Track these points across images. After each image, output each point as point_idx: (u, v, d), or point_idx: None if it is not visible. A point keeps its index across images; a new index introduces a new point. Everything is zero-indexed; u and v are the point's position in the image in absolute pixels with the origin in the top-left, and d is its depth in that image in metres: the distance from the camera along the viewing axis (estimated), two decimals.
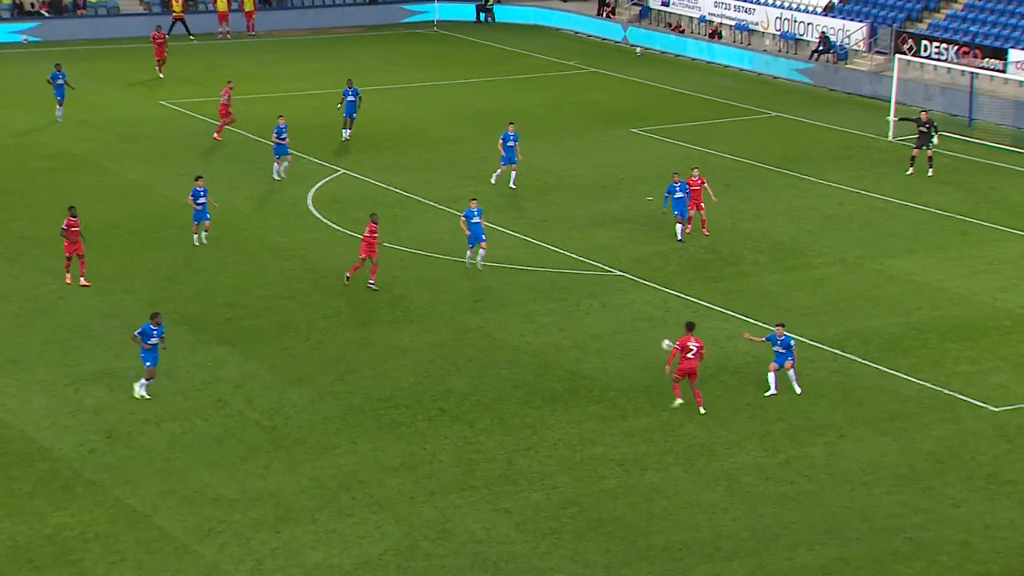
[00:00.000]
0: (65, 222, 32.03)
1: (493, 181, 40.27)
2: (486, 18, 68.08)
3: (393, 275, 33.53)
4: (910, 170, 42.80)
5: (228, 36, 62.18)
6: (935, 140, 42.65)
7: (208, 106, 49.44)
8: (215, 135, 45.24)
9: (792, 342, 27.67)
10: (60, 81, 45.93)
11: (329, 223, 37.32)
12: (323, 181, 41.20)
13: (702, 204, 36.31)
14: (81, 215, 34.58)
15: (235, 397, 26.86)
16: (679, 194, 35.58)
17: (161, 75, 53.58)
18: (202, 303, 31.54)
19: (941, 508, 23.24)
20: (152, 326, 26.51)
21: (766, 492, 23.66)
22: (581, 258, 34.94)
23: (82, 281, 31.99)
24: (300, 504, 23.01)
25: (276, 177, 40.56)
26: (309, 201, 39.31)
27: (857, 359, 29.17)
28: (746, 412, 26.65)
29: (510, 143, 39.67)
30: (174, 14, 62.12)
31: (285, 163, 40.58)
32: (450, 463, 24.46)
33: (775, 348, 27.54)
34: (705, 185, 36.35)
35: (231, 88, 45.60)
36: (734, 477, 24.14)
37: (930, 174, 42.42)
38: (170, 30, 62.14)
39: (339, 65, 57.78)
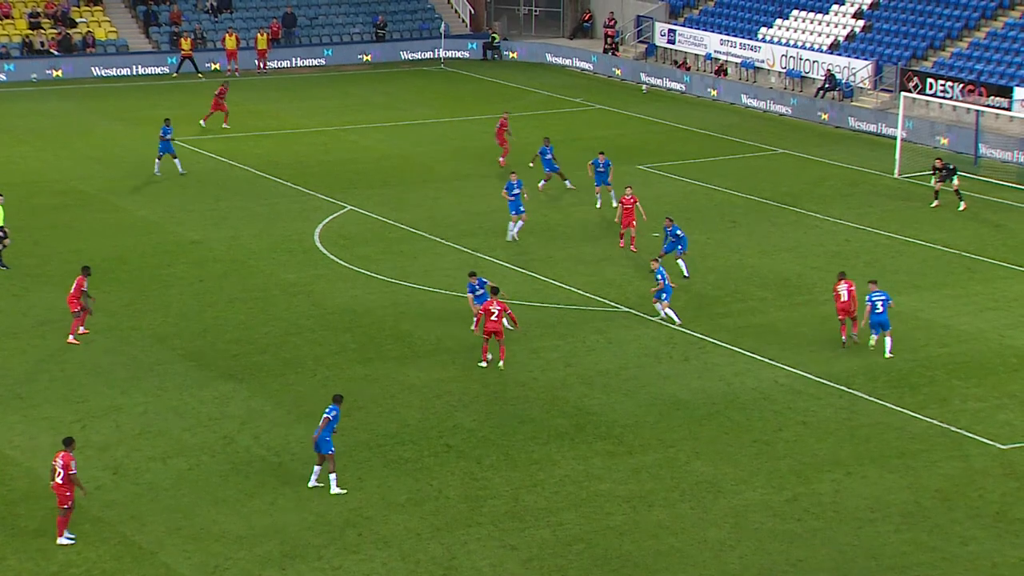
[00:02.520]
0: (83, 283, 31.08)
1: (598, 205, 42.13)
2: (492, 55, 68.43)
3: (400, 311, 33.58)
4: (935, 203, 43.18)
5: (236, 73, 62.50)
6: (955, 180, 43.07)
7: (214, 143, 49.65)
8: (500, 159, 46.53)
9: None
10: (168, 136, 44.84)
11: (336, 259, 37.41)
12: (330, 217, 41.34)
13: (634, 222, 37.87)
14: (89, 251, 34.92)
15: (242, 433, 26.86)
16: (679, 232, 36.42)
17: (202, 123, 52.00)
18: (209, 339, 31.60)
19: (949, 546, 23.16)
20: (338, 407, 24.88)
21: (773, 529, 23.60)
22: (587, 294, 34.99)
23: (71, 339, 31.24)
24: (306, 541, 22.97)
25: (508, 238, 38.69)
26: (316, 237, 39.42)
27: (864, 396, 29.15)
28: (752, 449, 26.62)
29: (600, 168, 41.75)
30: (183, 52, 62.50)
31: (520, 222, 38.56)
32: (456, 499, 24.43)
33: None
34: (637, 204, 37.95)
35: (507, 117, 47.20)
36: (741, 514, 24.09)
37: (961, 208, 42.71)
38: (178, 68, 62.54)
39: (345, 103, 58.10)
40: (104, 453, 25.90)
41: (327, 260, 37.45)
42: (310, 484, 24.63)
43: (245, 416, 27.63)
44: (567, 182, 44.11)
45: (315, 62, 65.84)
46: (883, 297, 31.19)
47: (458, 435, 26.95)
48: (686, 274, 36.12)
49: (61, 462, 22.59)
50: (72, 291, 31.20)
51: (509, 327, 30.38)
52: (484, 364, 30.15)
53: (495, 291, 30.65)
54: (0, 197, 36.90)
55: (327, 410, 24.72)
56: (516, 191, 38.67)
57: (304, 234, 39.65)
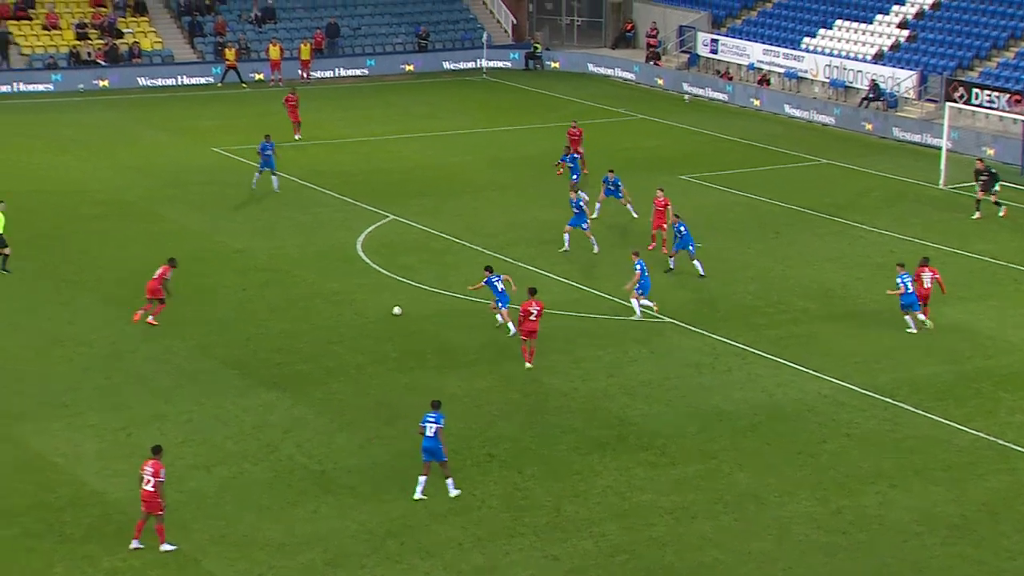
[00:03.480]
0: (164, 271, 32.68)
1: (595, 215, 41.65)
2: (534, 65, 68.46)
3: (441, 320, 33.61)
4: (976, 215, 42.91)
5: (280, 84, 62.84)
6: (997, 188, 42.83)
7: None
8: (565, 171, 46.03)
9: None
10: (268, 152, 44.12)
11: (378, 268, 37.50)
12: (373, 226, 41.45)
13: (664, 224, 38.22)
14: (132, 260, 35.16)
15: (285, 442, 26.95)
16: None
17: (297, 137, 51.61)
18: (252, 348, 31.73)
19: (996, 560, 22.90)
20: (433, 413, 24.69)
21: (817, 542, 23.42)
22: (629, 304, 34.87)
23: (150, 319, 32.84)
24: (349, 550, 23.00)
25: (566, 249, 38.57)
26: (358, 246, 39.53)
27: (909, 408, 28.90)
28: (796, 460, 26.44)
29: (610, 186, 41.79)
30: (227, 62, 62.91)
31: (590, 237, 38.54)
32: (498, 509, 24.40)
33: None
34: (669, 206, 38.29)
35: (576, 126, 47.86)
36: (785, 526, 23.92)
37: (1002, 215, 42.60)
38: (223, 78, 62.97)
39: (387, 112, 58.30)
40: None
41: (369, 269, 37.53)
42: (416, 496, 24.44)
43: (288, 424, 27.72)
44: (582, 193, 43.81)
45: (358, 72, 66.12)
46: (911, 279, 32.94)
47: (500, 445, 26.91)
48: (702, 273, 36.60)
49: (151, 469, 22.71)
50: (155, 278, 32.47)
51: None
52: (529, 366, 30.23)
53: (532, 291, 30.64)
54: (1, 203, 37.07)
55: (428, 417, 24.47)
56: (576, 208, 38.61)
57: (346, 243, 39.77)
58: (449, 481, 24.64)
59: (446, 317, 33.85)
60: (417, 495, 24.51)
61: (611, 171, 41.90)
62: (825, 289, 36.37)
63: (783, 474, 25.83)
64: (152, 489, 22.62)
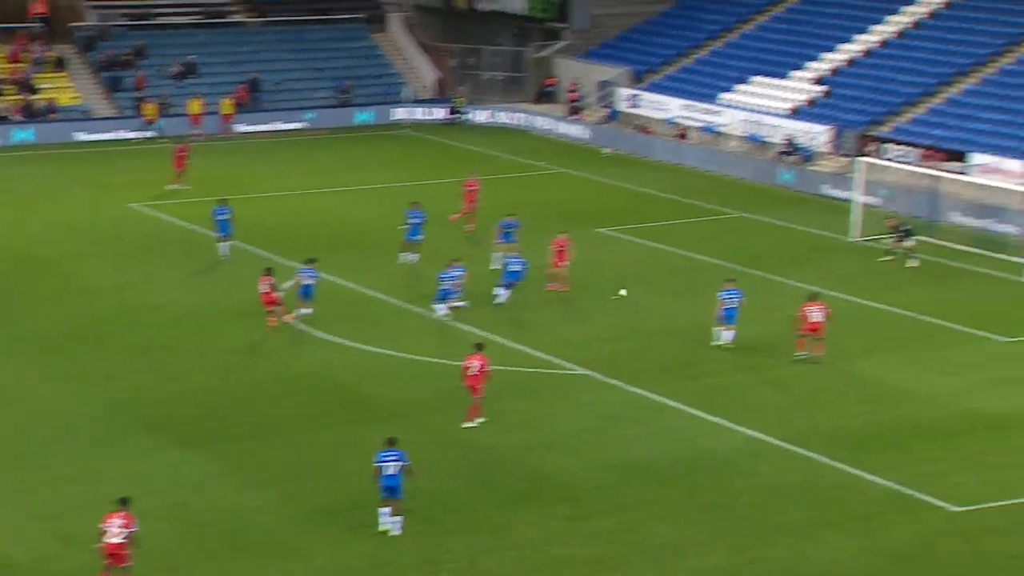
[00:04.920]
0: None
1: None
2: (457, 120, 68.76)
3: (359, 376, 33.42)
4: (887, 258, 44.24)
5: (200, 138, 62.51)
6: (911, 242, 43.96)
7: (179, 208, 49.45)
8: (466, 226, 46.72)
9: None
10: (223, 216, 42.89)
11: (302, 326, 37.22)
12: (289, 282, 41.12)
13: (558, 264, 39.90)
14: (44, 318, 34.55)
15: (195, 500, 26.55)
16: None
17: (172, 187, 51.76)
18: (167, 404, 31.32)
19: None
20: (385, 450, 25.21)
21: None
22: (548, 357, 34.95)
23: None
24: None
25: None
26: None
27: (823, 459, 29.15)
28: (715, 512, 26.55)
29: (506, 230, 42.63)
30: (145, 117, 62.48)
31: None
32: (415, 564, 24.22)
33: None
34: (565, 247, 39.97)
35: (473, 176, 48.34)
36: None
37: (915, 264, 44.00)
38: (142, 133, 62.42)
39: (308, 166, 58.16)
40: (55, 522, 25.50)
41: (287, 324, 37.23)
42: (381, 528, 24.88)
43: (199, 481, 27.32)
44: (412, 255, 43.43)
45: (280, 126, 65.97)
46: (737, 297, 35.81)
47: (418, 499, 26.69)
48: (498, 301, 38.35)
49: (121, 522, 22.53)
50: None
51: None
52: (480, 420, 30.23)
53: (479, 347, 30.60)
54: None
55: (389, 456, 24.83)
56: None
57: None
58: (398, 519, 24.88)
59: (365, 373, 33.67)
60: (381, 526, 24.79)
61: (511, 214, 42.56)
62: (742, 341, 36.65)
63: (701, 526, 25.91)
64: (122, 541, 22.39)
